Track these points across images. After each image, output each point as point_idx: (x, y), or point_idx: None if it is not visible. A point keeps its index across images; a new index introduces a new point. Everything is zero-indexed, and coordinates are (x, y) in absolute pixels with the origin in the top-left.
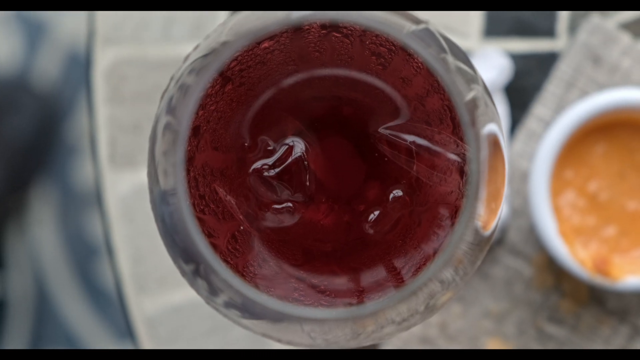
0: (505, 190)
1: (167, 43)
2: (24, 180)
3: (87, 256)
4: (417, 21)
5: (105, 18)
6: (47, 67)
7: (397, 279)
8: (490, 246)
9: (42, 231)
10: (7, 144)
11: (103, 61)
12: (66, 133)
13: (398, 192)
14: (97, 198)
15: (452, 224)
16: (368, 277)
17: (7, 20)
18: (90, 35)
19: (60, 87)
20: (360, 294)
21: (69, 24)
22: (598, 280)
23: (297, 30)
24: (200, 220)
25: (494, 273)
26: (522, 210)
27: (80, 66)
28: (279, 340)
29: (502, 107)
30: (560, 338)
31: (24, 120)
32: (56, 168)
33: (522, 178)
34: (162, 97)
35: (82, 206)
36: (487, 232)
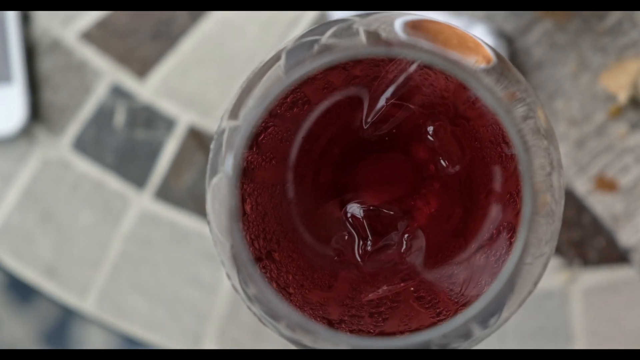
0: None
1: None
2: None
3: None
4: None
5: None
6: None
7: (512, 168)
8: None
9: None
10: None
11: None
12: None
13: (431, 129)
14: None
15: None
16: (504, 196)
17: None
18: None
19: None
20: (515, 213)
21: None
22: None
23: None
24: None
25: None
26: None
27: None
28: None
29: None
30: None
31: None
32: None
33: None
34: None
35: None
36: (493, 61)
